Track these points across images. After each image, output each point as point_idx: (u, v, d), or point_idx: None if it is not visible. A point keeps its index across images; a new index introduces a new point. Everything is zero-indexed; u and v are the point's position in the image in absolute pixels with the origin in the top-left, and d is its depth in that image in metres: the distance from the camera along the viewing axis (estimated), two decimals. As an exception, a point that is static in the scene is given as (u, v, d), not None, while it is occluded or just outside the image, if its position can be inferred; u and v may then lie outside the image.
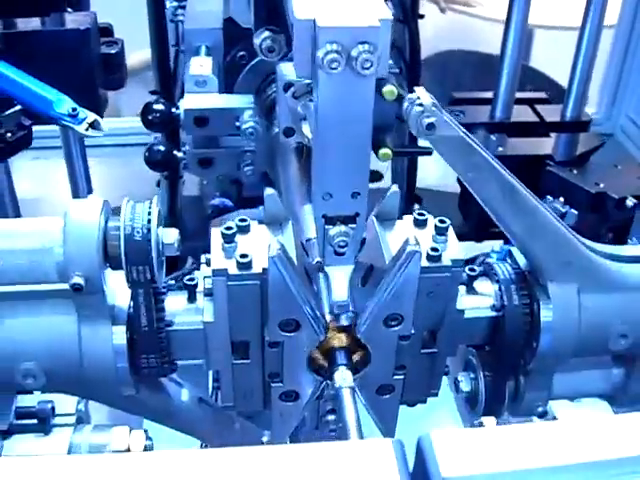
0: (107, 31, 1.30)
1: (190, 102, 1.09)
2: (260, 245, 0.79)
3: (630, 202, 1.23)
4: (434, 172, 1.76)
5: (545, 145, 1.38)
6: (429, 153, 1.34)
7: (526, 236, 0.80)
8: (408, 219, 0.82)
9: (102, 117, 1.20)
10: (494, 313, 0.83)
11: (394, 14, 1.44)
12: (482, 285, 0.85)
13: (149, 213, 0.76)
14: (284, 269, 0.74)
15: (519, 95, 1.44)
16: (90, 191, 1.49)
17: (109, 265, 0.78)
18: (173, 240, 0.79)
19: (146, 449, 0.90)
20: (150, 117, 1.13)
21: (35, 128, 1.34)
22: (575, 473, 0.48)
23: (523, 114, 1.43)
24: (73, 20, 1.17)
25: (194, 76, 1.12)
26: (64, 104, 1.00)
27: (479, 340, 0.86)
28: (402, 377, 0.82)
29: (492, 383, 0.89)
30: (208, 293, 0.82)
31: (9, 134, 1.12)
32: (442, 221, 0.79)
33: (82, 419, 0.96)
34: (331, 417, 0.89)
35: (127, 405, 0.88)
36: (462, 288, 0.83)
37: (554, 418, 1.09)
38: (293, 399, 0.84)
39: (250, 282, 0.77)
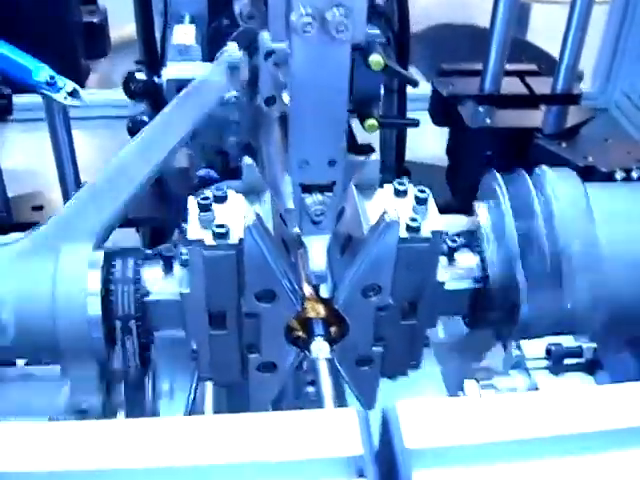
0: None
1: (173, 71, 1.07)
2: (238, 215, 0.78)
3: (619, 175, 1.22)
4: (423, 145, 1.75)
5: (534, 117, 1.36)
6: (416, 124, 1.33)
7: None
8: (388, 188, 0.80)
9: (84, 86, 1.19)
10: (475, 285, 0.82)
11: (383, -16, 1.42)
12: (464, 256, 0.84)
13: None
14: (260, 239, 0.73)
15: (509, 67, 1.42)
16: (74, 163, 1.47)
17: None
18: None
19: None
20: (132, 87, 1.11)
21: (23, 100, 1.33)
22: (540, 446, 0.48)
23: (513, 86, 1.41)
24: (53, -13, 1.16)
25: (177, 45, 1.10)
26: (42, 72, 0.99)
27: (460, 311, 0.85)
28: (381, 349, 0.82)
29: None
30: (185, 263, 0.81)
31: (-11, 103, 1.11)
32: (422, 191, 0.78)
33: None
34: (311, 389, 0.88)
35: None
36: (443, 259, 0.82)
37: (536, 388, 1.10)
38: (271, 370, 0.83)
39: (226, 252, 0.76)
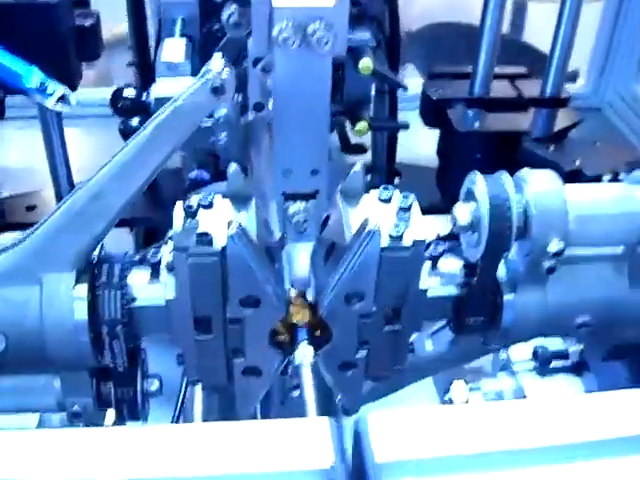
0: (83, 2, 1.29)
1: (161, 88, 1.08)
2: (223, 221, 0.78)
3: (605, 179, 1.23)
4: (415, 145, 1.76)
5: (523, 121, 1.37)
6: (406, 127, 1.34)
7: None
8: (374, 194, 0.81)
9: (76, 88, 1.20)
10: (458, 291, 0.83)
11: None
12: (448, 262, 0.85)
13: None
14: (243, 246, 0.74)
15: (499, 70, 1.43)
16: (67, 164, 1.48)
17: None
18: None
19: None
20: (120, 104, 1.12)
21: (17, 98, 1.33)
22: (511, 456, 0.49)
23: (502, 89, 1.42)
24: (46, -8, 1.16)
25: (166, 62, 1.11)
26: (33, 77, 1.00)
27: (443, 317, 0.86)
28: (365, 353, 0.83)
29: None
30: (171, 268, 0.82)
31: (-18, 105, 1.12)
32: (406, 197, 0.79)
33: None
34: (296, 393, 0.89)
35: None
36: (427, 265, 0.83)
37: (523, 393, 1.11)
38: (256, 374, 0.84)
39: (210, 259, 0.77)
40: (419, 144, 1.77)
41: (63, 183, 1.51)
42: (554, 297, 0.83)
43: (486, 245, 0.76)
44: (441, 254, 0.85)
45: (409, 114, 1.53)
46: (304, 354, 0.77)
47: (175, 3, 1.29)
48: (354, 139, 1.51)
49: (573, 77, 2.24)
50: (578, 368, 1.11)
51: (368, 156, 1.59)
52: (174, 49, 1.17)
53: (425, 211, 0.94)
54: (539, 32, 2.62)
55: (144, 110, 1.14)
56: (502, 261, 0.82)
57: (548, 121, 1.39)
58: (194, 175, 1.42)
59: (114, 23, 1.77)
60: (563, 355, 1.12)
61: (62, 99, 1.01)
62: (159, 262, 0.84)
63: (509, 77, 1.45)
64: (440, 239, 0.91)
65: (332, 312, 0.79)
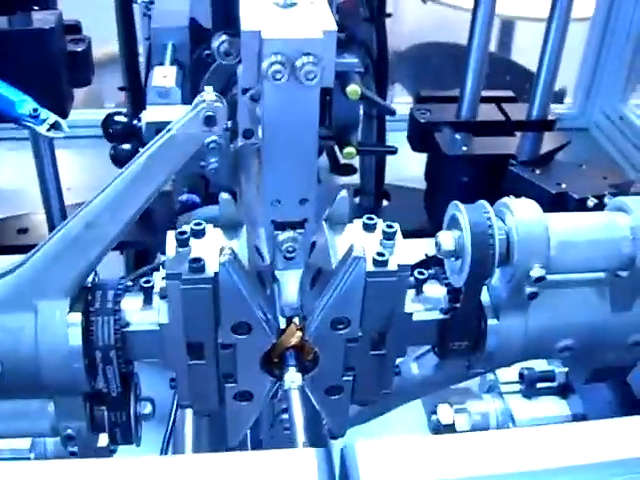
0: (74, 28, 1.31)
1: (152, 115, 1.09)
2: (214, 249, 0.80)
3: (591, 202, 1.25)
4: (404, 167, 1.78)
5: (510, 144, 1.40)
6: (394, 152, 1.36)
7: None
8: (358, 223, 0.83)
9: (67, 115, 1.21)
10: (442, 316, 0.85)
11: (362, 13, 1.46)
12: (432, 288, 0.87)
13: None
14: (235, 274, 0.76)
15: (485, 93, 1.45)
16: (58, 184, 1.49)
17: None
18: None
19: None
20: (111, 130, 1.13)
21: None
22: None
23: (489, 113, 1.44)
24: (38, 19, 1.18)
25: (156, 87, 1.12)
26: (26, 105, 1.01)
27: (428, 341, 0.88)
28: (351, 378, 0.84)
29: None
30: (163, 295, 0.83)
31: (-27, 132, 1.13)
32: (390, 226, 0.80)
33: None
34: (285, 416, 0.90)
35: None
36: (411, 291, 0.85)
37: (512, 418, 1.12)
38: (247, 399, 0.86)
39: (203, 286, 0.79)
40: (408, 166, 1.79)
41: (55, 205, 1.52)
42: (536, 322, 0.85)
43: (469, 272, 0.78)
44: (425, 279, 0.86)
45: (397, 135, 1.55)
46: (292, 379, 0.78)
47: (165, 29, 1.31)
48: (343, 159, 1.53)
49: (561, 96, 2.27)
50: (564, 390, 1.13)
51: (357, 176, 1.61)
52: (165, 75, 1.19)
53: (413, 234, 0.96)
54: (526, 51, 2.66)
55: (135, 135, 1.15)
56: (485, 287, 0.84)
57: (534, 144, 1.41)
58: (184, 198, 1.44)
59: (105, 42, 1.79)
60: (549, 377, 1.14)
61: (54, 126, 1.02)
62: (152, 288, 0.85)
63: (496, 100, 1.47)
64: (424, 263, 0.93)
65: (319, 337, 0.81)
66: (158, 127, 1.09)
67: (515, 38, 3.01)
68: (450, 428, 1.11)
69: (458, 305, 0.83)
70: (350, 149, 1.27)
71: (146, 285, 0.86)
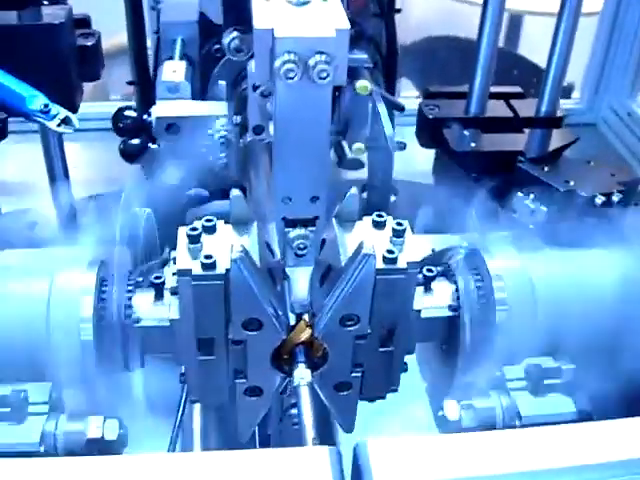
0: (84, 22, 1.31)
1: (162, 110, 1.10)
2: (225, 245, 0.80)
3: (599, 200, 1.25)
4: (411, 163, 1.78)
5: (518, 141, 1.39)
6: (402, 148, 1.35)
7: None
8: (367, 220, 0.83)
9: (77, 110, 1.21)
10: (450, 313, 0.85)
11: (371, 9, 1.45)
12: (440, 285, 0.87)
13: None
14: (246, 271, 0.76)
15: (494, 89, 1.45)
16: (67, 175, 1.50)
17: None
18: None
19: (120, 437, 0.93)
20: (121, 124, 1.13)
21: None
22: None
23: (498, 109, 1.44)
24: (48, 14, 1.18)
25: (166, 82, 1.13)
26: (36, 100, 1.02)
27: (436, 338, 0.89)
28: (360, 374, 0.85)
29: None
30: (174, 291, 0.84)
31: (-17, 128, 1.14)
32: (399, 224, 0.81)
33: (56, 407, 0.98)
34: (294, 411, 0.91)
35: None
36: (420, 288, 0.85)
37: (518, 414, 1.12)
38: (257, 394, 0.86)
39: (214, 282, 0.79)
40: (415, 160, 1.79)
41: (63, 199, 1.52)
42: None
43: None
44: (434, 277, 0.87)
45: (405, 130, 1.55)
46: (302, 376, 0.79)
47: (175, 23, 1.32)
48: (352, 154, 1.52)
49: (568, 91, 2.26)
50: (570, 387, 1.13)
51: (364, 171, 1.61)
52: (174, 70, 1.19)
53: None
54: (534, 45, 2.65)
55: (145, 130, 1.16)
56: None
57: (543, 141, 1.41)
58: (193, 193, 1.44)
59: (114, 33, 1.79)
60: (556, 374, 1.14)
61: (65, 121, 1.03)
62: (163, 284, 0.86)
63: (504, 96, 1.47)
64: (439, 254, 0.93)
65: (328, 334, 0.81)
66: (168, 122, 1.10)
67: (523, 32, 3.01)
68: (456, 424, 1.11)
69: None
70: (359, 145, 1.28)
71: (157, 281, 0.86)
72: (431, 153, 1.54)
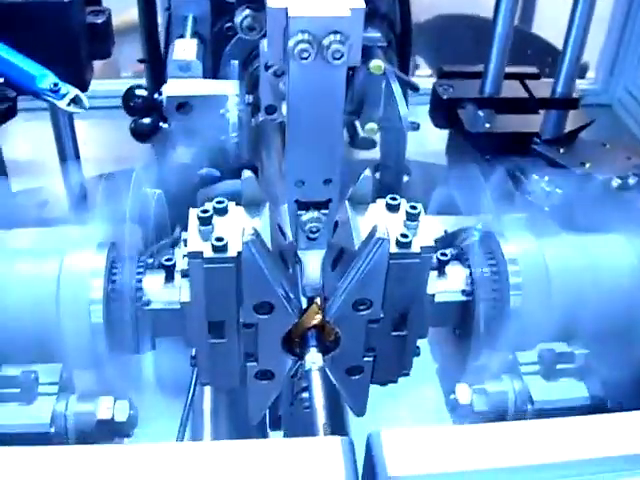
0: (94, 0, 1.30)
1: (173, 88, 1.08)
2: (237, 228, 0.79)
3: (615, 183, 1.23)
4: (424, 142, 1.76)
5: (533, 122, 1.38)
6: (416, 128, 1.34)
7: None
8: (381, 203, 0.82)
9: (88, 88, 1.20)
10: (464, 297, 0.84)
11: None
12: (454, 269, 0.86)
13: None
14: (257, 254, 0.75)
15: (509, 69, 1.43)
16: (77, 154, 1.49)
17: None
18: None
19: (130, 418, 0.93)
20: (132, 104, 1.12)
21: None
22: (523, 474, 0.50)
23: (513, 89, 1.42)
24: (58, -10, 1.17)
25: (177, 60, 1.11)
26: (46, 79, 1.01)
27: (450, 323, 0.88)
28: (372, 359, 0.84)
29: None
30: (185, 274, 0.83)
31: (-6, 106, 1.13)
32: (414, 207, 0.79)
33: (66, 388, 0.98)
34: (305, 394, 0.90)
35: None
36: (434, 272, 0.84)
37: (530, 399, 1.12)
38: (268, 378, 0.85)
39: (225, 265, 0.78)
40: (429, 140, 1.77)
41: (74, 177, 1.51)
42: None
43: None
44: (448, 261, 0.86)
45: (418, 109, 1.53)
46: (313, 360, 0.78)
47: (186, 0, 1.30)
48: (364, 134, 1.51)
49: (583, 71, 2.24)
50: (583, 372, 1.12)
51: (376, 151, 1.60)
52: (185, 48, 1.18)
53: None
54: (549, 23, 2.62)
55: (156, 109, 1.14)
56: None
57: (558, 123, 1.39)
58: (204, 172, 1.43)
59: (124, 9, 1.77)
60: (569, 358, 1.13)
61: (74, 100, 1.02)
62: (174, 266, 0.85)
63: (520, 77, 1.45)
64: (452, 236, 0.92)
65: (340, 318, 0.80)
66: (179, 101, 1.09)
67: (537, 10, 2.97)
68: (468, 408, 1.11)
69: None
70: (371, 125, 1.26)
71: (167, 263, 0.86)
72: (444, 133, 1.52)
